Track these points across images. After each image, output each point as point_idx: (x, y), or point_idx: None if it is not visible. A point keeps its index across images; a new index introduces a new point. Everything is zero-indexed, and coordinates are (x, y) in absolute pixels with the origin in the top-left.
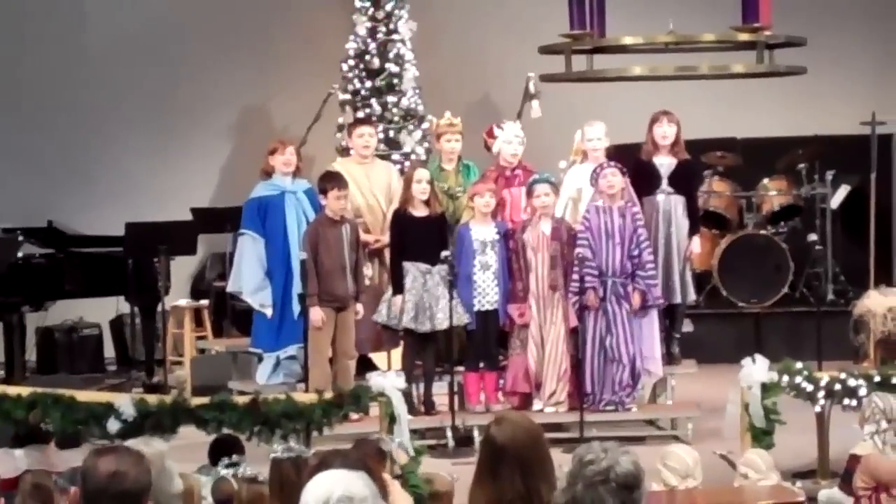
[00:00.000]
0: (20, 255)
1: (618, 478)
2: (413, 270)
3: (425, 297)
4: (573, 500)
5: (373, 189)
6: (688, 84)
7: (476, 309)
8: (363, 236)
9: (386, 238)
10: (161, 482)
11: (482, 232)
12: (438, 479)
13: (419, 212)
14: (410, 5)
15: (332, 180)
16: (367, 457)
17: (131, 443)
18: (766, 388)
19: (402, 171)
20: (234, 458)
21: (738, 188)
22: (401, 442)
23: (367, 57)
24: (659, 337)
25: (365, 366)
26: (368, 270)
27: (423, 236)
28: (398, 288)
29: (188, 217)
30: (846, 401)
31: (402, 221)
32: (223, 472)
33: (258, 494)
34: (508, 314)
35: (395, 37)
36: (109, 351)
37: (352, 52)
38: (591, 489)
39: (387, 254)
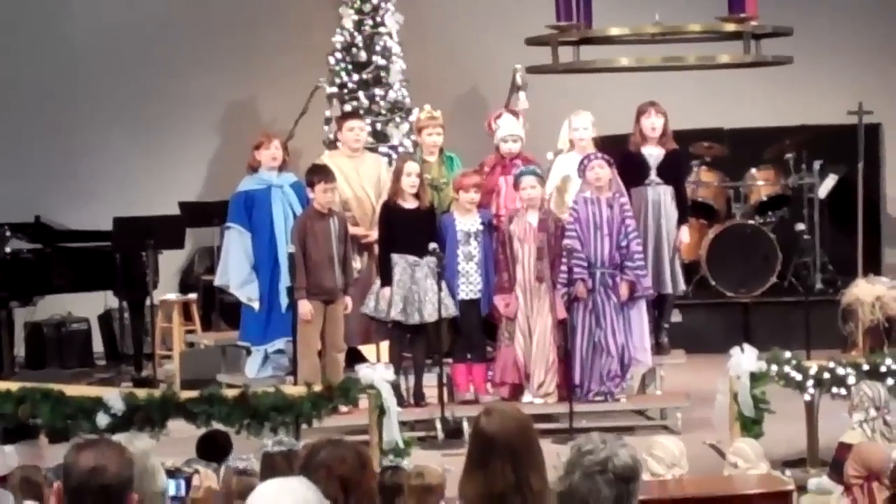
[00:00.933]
0: (8, 250)
1: (615, 469)
2: (401, 263)
3: (413, 290)
4: (569, 489)
5: (362, 182)
6: (675, 75)
7: (460, 298)
8: (352, 230)
9: (375, 233)
10: (144, 480)
11: (466, 223)
12: (430, 472)
13: (409, 204)
14: None
15: (319, 173)
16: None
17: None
18: (755, 378)
19: (389, 164)
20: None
21: (726, 178)
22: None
23: (354, 50)
24: (648, 327)
25: (354, 358)
26: (357, 263)
27: (412, 228)
28: (386, 280)
29: (176, 211)
30: (835, 389)
31: (391, 213)
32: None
33: (248, 487)
34: (495, 305)
35: (381, 30)
36: (98, 345)
37: (339, 45)
38: (588, 479)
39: (376, 247)
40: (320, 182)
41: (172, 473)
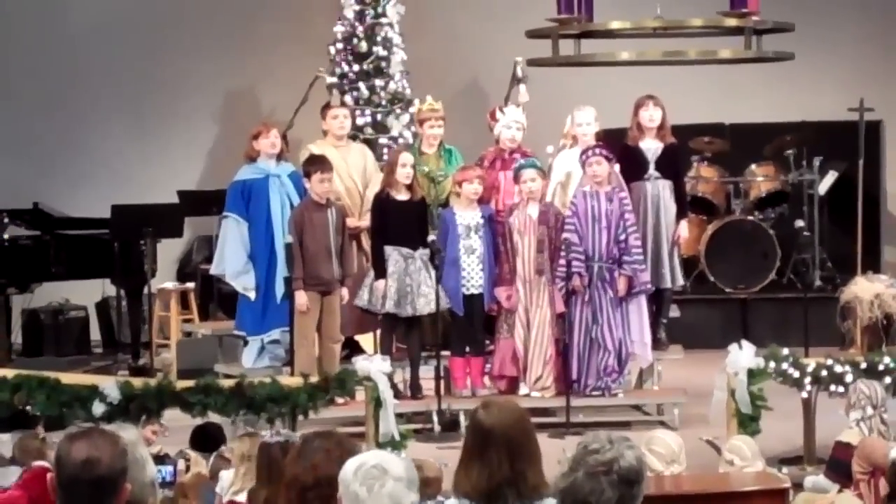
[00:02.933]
0: (6, 236)
1: (620, 471)
2: (395, 255)
3: (407, 282)
4: (572, 486)
5: (350, 172)
6: (675, 69)
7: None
8: None
9: (364, 222)
10: (133, 471)
11: (467, 216)
12: (428, 465)
13: (401, 195)
14: None
15: (315, 163)
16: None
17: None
18: (753, 374)
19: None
20: None
21: (726, 174)
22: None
23: (355, 40)
24: (648, 322)
25: (352, 348)
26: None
27: (405, 220)
28: (380, 272)
29: (174, 200)
30: (833, 387)
31: (383, 205)
32: None
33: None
34: (495, 298)
35: (382, 20)
36: (95, 333)
37: (339, 36)
38: (593, 479)
39: (365, 238)
40: (317, 172)
41: (162, 459)
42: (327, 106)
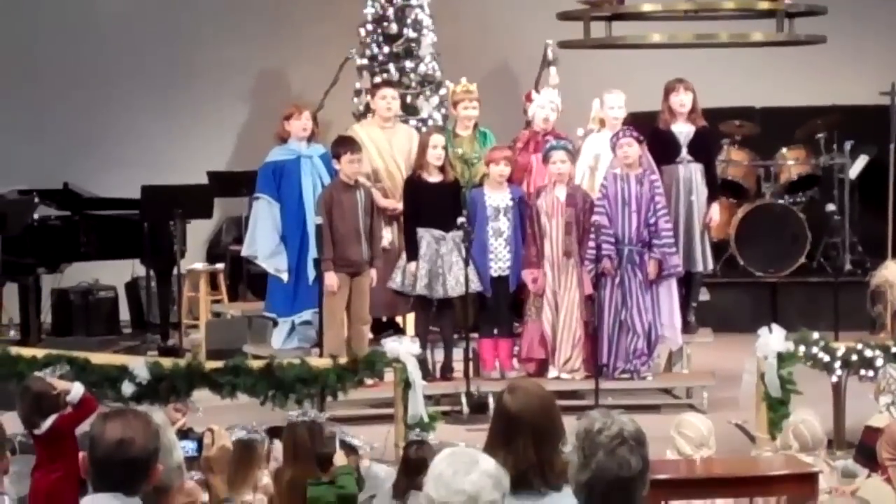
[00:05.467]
0: (36, 216)
1: (632, 436)
2: (427, 237)
3: (438, 264)
4: (598, 471)
5: (393, 153)
6: (707, 52)
7: (489, 274)
8: (382, 202)
9: (402, 204)
10: (162, 454)
11: (496, 198)
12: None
13: (433, 177)
14: None
15: (344, 144)
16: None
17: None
18: (783, 358)
19: None
20: None
21: (757, 157)
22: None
23: (385, 22)
24: (678, 305)
25: (388, 326)
26: (389, 234)
27: (437, 202)
28: (412, 254)
29: (204, 181)
30: (862, 371)
31: (415, 187)
32: None
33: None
34: (523, 279)
35: (413, 2)
36: (125, 314)
37: (370, 17)
38: (612, 454)
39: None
40: (346, 153)
41: (185, 434)
42: (376, 86)
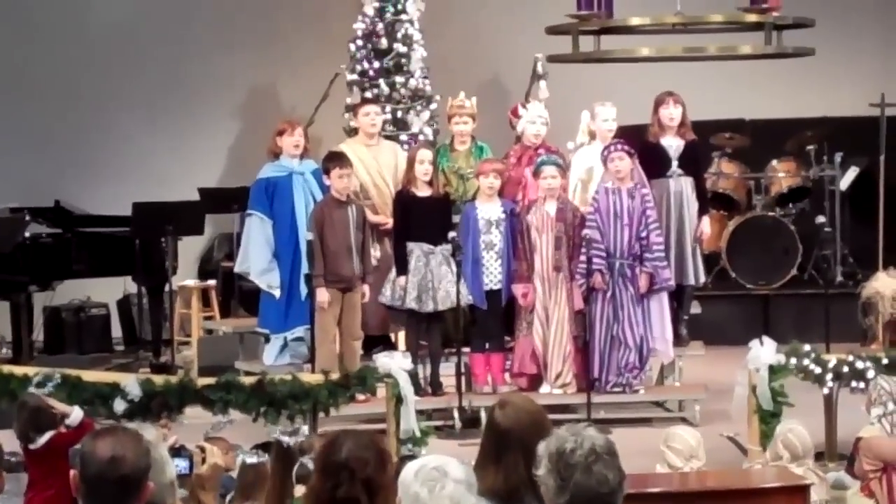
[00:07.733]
0: (27, 234)
1: (604, 450)
2: (417, 251)
3: (428, 277)
4: (577, 491)
5: (380, 169)
6: (696, 65)
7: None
8: (372, 217)
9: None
10: (153, 471)
11: (488, 211)
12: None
13: (422, 192)
14: None
15: (333, 160)
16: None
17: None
18: (774, 371)
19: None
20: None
21: (747, 169)
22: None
23: (375, 37)
24: (670, 318)
25: (380, 341)
26: (377, 251)
27: (426, 216)
28: (402, 269)
29: (195, 197)
30: (854, 383)
31: (405, 202)
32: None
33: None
34: (514, 294)
35: (403, 17)
36: (117, 331)
37: (360, 33)
38: (589, 473)
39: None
40: (335, 168)
41: (178, 452)
42: (359, 104)
